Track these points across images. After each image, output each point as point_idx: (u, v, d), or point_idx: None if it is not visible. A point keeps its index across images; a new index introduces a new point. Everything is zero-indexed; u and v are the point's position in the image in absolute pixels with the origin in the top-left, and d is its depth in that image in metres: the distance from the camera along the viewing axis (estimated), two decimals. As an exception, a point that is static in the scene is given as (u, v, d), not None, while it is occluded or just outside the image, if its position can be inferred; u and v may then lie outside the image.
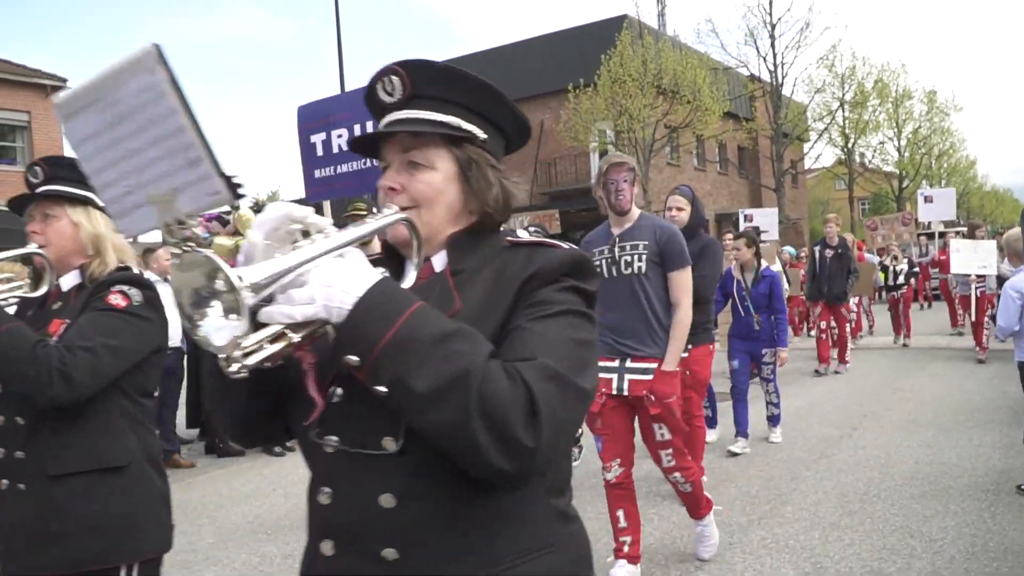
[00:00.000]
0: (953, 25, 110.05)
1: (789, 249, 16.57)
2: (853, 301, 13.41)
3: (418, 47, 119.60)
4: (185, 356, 7.98)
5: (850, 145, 37.60)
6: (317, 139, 5.75)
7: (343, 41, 20.81)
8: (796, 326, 14.67)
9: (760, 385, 7.41)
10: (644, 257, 4.10)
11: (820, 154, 40.50)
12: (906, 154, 40.12)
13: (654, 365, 4.07)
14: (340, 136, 5.59)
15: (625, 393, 4.10)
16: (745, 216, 15.57)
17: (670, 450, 4.26)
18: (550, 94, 30.86)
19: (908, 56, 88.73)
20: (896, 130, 39.45)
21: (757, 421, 7.52)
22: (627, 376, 4.10)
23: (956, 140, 44.00)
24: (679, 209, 5.64)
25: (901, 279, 14.68)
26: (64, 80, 24.97)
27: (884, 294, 16.37)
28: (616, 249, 4.16)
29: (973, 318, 11.61)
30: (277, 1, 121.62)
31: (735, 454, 6.86)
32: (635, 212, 4.22)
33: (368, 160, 5.05)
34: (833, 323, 11.39)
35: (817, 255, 11.23)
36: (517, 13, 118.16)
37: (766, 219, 16.13)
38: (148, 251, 7.95)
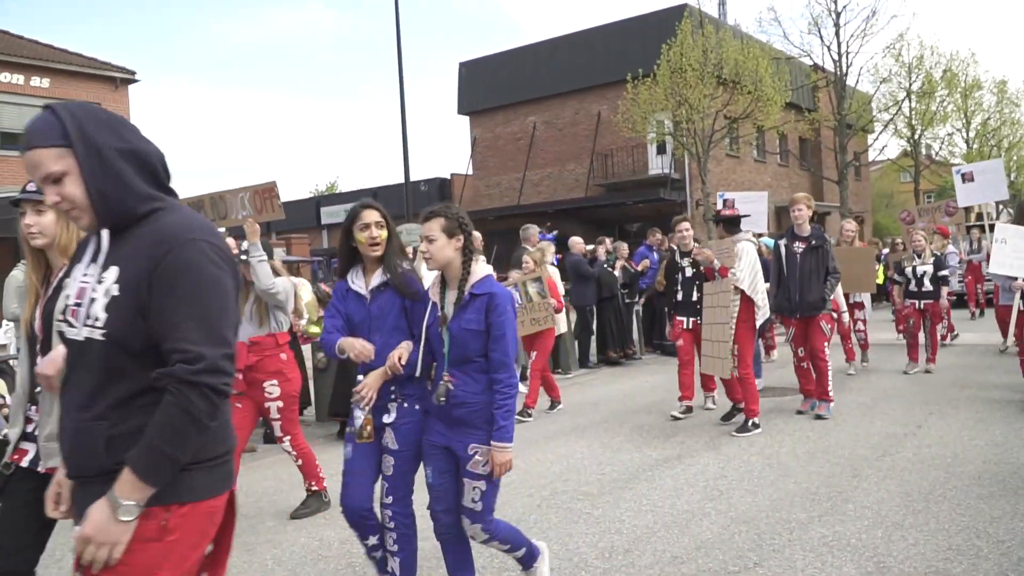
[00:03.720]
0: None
1: (767, 241, 13.29)
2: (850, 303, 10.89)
3: (477, 40, 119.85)
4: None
5: (916, 136, 36.64)
6: None
7: (402, 35, 20.89)
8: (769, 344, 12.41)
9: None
10: None
11: (885, 146, 39.84)
12: (975, 146, 38.98)
13: None
14: None
15: None
16: (725, 201, 13.39)
17: None
18: (608, 85, 30.73)
19: (978, 45, 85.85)
20: (965, 121, 38.40)
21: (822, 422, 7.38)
22: None
23: (1028, 131, 42.63)
24: None
25: (927, 284, 10.72)
26: (133, 73, 25.61)
27: (901, 301, 11.58)
28: None
29: (1012, 340, 8.71)
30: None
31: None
32: None
33: None
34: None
35: (783, 251, 8.33)
36: (576, 4, 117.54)
37: (751, 204, 12.66)
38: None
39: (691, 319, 8.33)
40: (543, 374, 9.30)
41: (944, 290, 10.88)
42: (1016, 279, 8.31)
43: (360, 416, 3.80)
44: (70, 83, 24.03)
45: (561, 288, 11.68)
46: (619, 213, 30.08)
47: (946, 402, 8.52)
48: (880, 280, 15.69)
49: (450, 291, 3.69)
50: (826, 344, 8.17)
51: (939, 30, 75.32)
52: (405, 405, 3.80)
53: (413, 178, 22.84)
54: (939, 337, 11.47)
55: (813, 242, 8.16)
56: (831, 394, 8.19)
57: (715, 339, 7.65)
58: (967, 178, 13.93)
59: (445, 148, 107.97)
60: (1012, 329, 8.41)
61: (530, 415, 8.88)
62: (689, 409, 8.51)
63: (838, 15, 30.13)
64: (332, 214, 40.50)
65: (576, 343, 12.94)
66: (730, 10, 43.26)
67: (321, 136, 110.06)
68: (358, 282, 3.88)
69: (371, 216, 3.80)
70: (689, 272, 8.39)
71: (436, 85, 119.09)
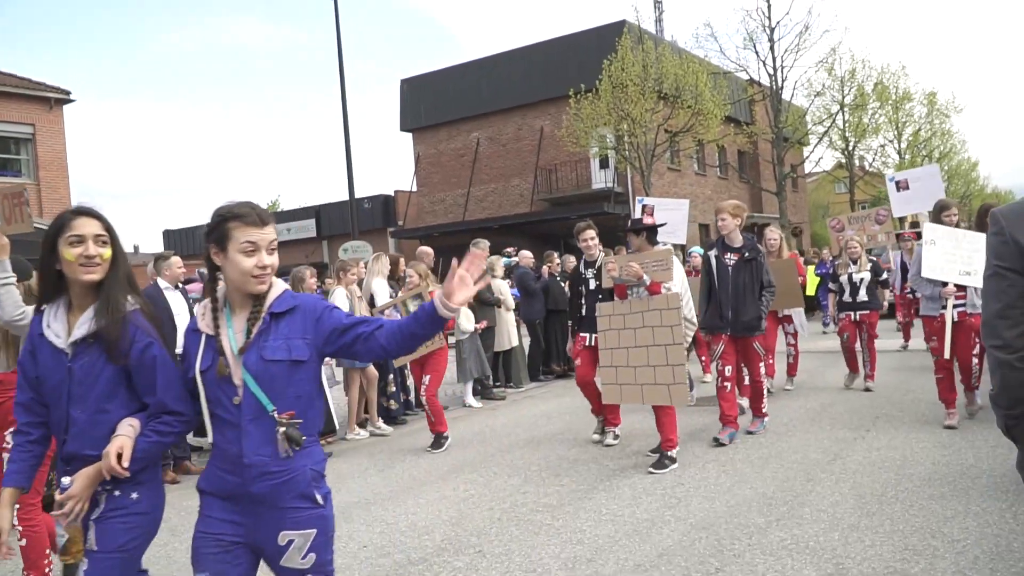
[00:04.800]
0: (953, 25, 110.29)
1: (697, 249, 12.62)
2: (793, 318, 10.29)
3: (418, 56, 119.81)
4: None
5: (850, 148, 37.57)
6: None
7: (343, 52, 20.79)
8: (705, 364, 11.54)
9: None
10: None
11: (821, 157, 40.31)
12: (907, 156, 40.10)
13: None
14: None
15: None
16: (644, 207, 11.02)
17: None
18: (550, 100, 30.99)
19: (908, 57, 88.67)
20: (896, 133, 39.49)
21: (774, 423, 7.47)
22: None
23: (957, 142, 44.04)
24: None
25: (863, 293, 9.89)
26: (68, 93, 25.04)
27: (835, 313, 10.55)
28: None
29: (943, 352, 7.38)
30: (276, 10, 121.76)
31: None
32: None
33: None
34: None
35: (714, 263, 7.56)
36: (516, 20, 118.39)
37: (670, 212, 11.66)
38: (160, 258, 7.92)
39: (595, 336, 7.40)
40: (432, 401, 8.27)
41: (886, 293, 10.61)
42: (947, 284, 7.21)
43: (63, 535, 3.04)
44: (3, 104, 23.40)
45: (511, 301, 11.65)
46: (564, 227, 30.24)
47: (892, 405, 8.70)
48: (811, 291, 15.04)
49: (236, 317, 2.70)
50: (760, 364, 7.69)
51: (870, 44, 77.43)
52: (117, 493, 2.71)
53: (357, 195, 22.67)
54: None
55: (746, 254, 7.42)
56: (766, 409, 7.84)
57: (654, 364, 6.61)
58: (902, 186, 13.16)
59: (388, 165, 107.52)
60: (948, 338, 7.29)
61: (446, 439, 8.18)
62: (616, 436, 7.87)
63: (772, 30, 30.81)
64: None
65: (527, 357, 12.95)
66: (667, 26, 43.87)
67: (261, 154, 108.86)
68: (56, 325, 2.74)
69: (88, 227, 2.73)
70: (593, 284, 7.67)
71: (378, 102, 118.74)
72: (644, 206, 11.19)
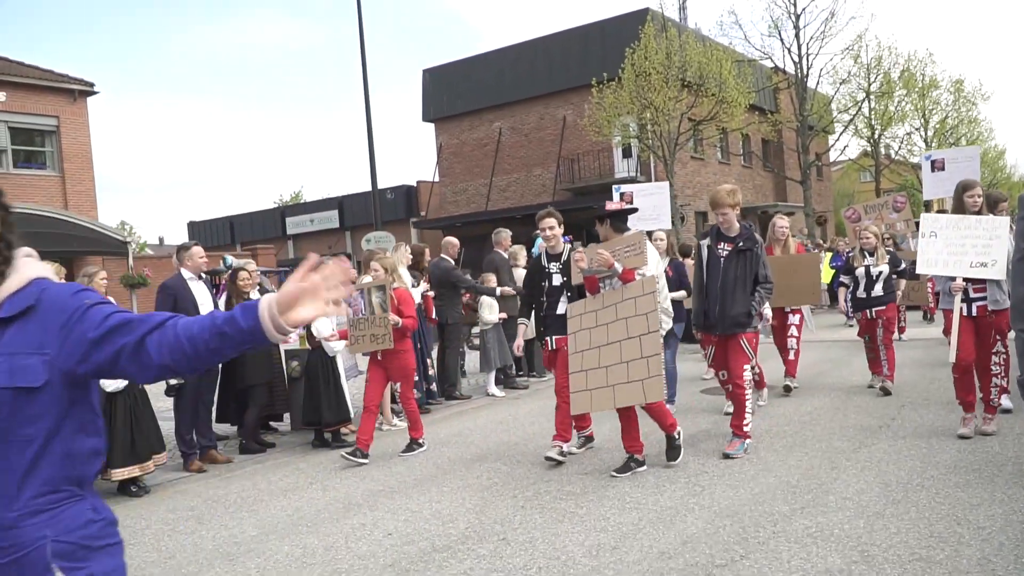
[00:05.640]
0: (980, 11, 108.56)
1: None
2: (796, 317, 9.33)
3: (440, 47, 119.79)
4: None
5: (876, 136, 37.21)
6: None
7: (366, 45, 20.82)
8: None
9: None
10: None
11: (846, 146, 40.20)
12: (933, 144, 39.65)
13: None
14: None
15: None
16: (623, 195, 10.59)
17: None
18: (572, 90, 30.90)
19: (935, 44, 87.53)
20: (923, 120, 39.00)
21: (792, 408, 7.43)
22: None
23: (983, 130, 43.43)
24: None
25: (879, 288, 8.98)
26: (91, 85, 25.26)
27: (849, 309, 9.85)
28: None
29: (952, 355, 6.53)
30: (300, 4, 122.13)
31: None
32: None
33: None
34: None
35: (705, 254, 6.92)
36: (539, 9, 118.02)
37: (650, 198, 10.88)
38: (183, 249, 8.00)
39: (556, 337, 6.90)
40: (408, 405, 7.79)
41: (902, 283, 9.64)
42: (955, 279, 6.49)
43: None
44: (28, 96, 23.65)
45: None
46: (587, 217, 30.16)
47: (917, 395, 8.64)
48: (826, 280, 14.42)
49: None
50: (747, 367, 6.74)
51: (897, 31, 76.66)
52: None
53: (379, 186, 22.76)
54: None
55: (740, 244, 6.72)
56: (748, 429, 6.71)
57: (627, 359, 6.05)
58: (937, 166, 12.18)
59: (411, 155, 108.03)
60: (953, 340, 6.49)
61: (420, 445, 7.72)
62: (589, 439, 7.36)
63: (797, 17, 30.52)
64: (297, 224, 40.33)
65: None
66: (690, 14, 43.59)
67: (285, 146, 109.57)
68: None
69: None
70: (558, 280, 6.94)
71: (400, 93, 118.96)
72: (622, 194, 10.64)
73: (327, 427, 8.21)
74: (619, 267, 6.21)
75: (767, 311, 7.76)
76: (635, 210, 8.16)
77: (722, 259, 6.75)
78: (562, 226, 6.92)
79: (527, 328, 7.56)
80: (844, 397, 8.84)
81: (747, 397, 6.71)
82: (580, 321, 6.49)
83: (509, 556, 4.68)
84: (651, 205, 10.57)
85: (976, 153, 12.35)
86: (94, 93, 25.45)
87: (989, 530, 4.48)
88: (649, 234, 9.19)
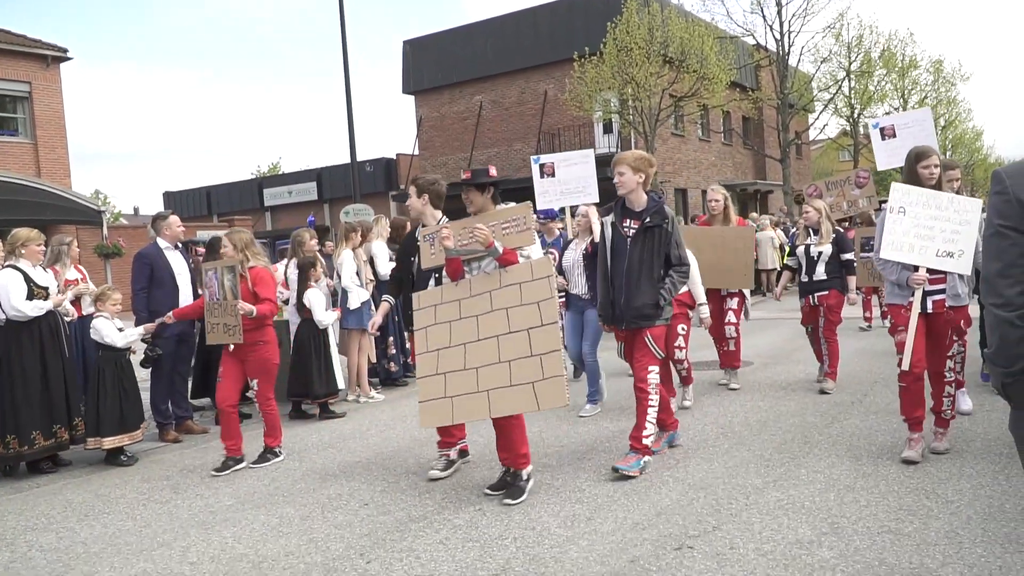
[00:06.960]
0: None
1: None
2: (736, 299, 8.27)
3: (422, 19, 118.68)
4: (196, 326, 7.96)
5: (856, 116, 37.35)
6: None
7: (345, 15, 20.57)
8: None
9: None
10: None
11: (825, 124, 40.02)
12: (913, 124, 39.81)
13: None
14: None
15: None
16: (543, 166, 9.68)
17: None
18: (554, 64, 30.75)
19: (916, 24, 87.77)
20: (902, 100, 39.18)
21: (766, 401, 7.49)
22: None
23: (962, 110, 43.73)
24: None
25: (821, 271, 7.97)
26: (65, 50, 24.85)
27: (780, 293, 8.95)
28: None
29: (906, 361, 5.35)
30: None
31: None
32: None
33: None
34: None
35: (608, 232, 5.70)
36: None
37: (574, 167, 9.71)
38: (159, 218, 7.93)
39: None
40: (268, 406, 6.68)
41: (852, 281, 8.17)
42: (917, 269, 5.30)
43: None
44: (-1, 61, 23.27)
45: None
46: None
47: (890, 371, 8.68)
48: (780, 263, 13.87)
49: None
50: (652, 369, 5.58)
51: (878, 10, 76.71)
52: None
53: (358, 158, 22.60)
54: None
55: (648, 220, 5.52)
56: (648, 442, 5.58)
57: (509, 358, 4.99)
58: (887, 133, 10.69)
59: (391, 128, 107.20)
60: (909, 342, 5.33)
61: (275, 455, 6.66)
62: (451, 461, 6.01)
63: (780, -6, 30.45)
64: (275, 195, 40.02)
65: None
66: (673, -11, 43.40)
67: (263, 117, 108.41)
68: None
69: None
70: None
71: (381, 64, 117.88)
72: (542, 165, 9.75)
73: (315, 399, 8.21)
74: (499, 247, 5.10)
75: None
76: (557, 185, 8.06)
77: (628, 239, 5.56)
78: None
79: (390, 307, 6.80)
80: (818, 373, 8.91)
81: (651, 404, 5.57)
82: (434, 313, 5.38)
83: (485, 526, 4.72)
84: (575, 176, 9.56)
85: (928, 115, 10.86)
86: (68, 59, 25.04)
87: (957, 504, 4.56)
88: (573, 209, 8.97)
